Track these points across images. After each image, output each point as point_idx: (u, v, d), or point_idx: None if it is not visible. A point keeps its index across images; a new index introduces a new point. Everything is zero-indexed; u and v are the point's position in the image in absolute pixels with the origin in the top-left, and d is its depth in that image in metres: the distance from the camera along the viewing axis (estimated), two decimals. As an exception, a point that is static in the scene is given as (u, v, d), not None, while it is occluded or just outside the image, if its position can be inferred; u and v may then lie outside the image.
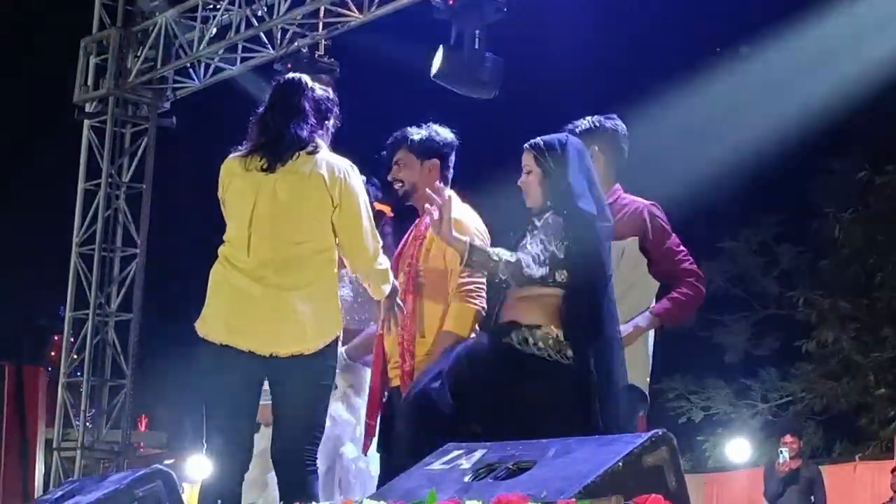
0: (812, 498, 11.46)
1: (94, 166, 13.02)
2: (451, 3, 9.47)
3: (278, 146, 4.77)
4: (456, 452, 4.33)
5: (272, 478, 5.19)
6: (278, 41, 11.50)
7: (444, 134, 5.61)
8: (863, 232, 21.04)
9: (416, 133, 5.56)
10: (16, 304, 23.69)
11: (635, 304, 5.21)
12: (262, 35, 11.62)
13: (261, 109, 4.91)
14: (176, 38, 12.42)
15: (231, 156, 4.90)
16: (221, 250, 4.85)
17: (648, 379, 5.42)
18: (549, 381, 4.86)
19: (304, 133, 4.79)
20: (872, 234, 20.90)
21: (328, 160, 4.80)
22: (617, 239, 5.13)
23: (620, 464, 3.73)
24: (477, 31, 9.61)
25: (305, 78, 4.99)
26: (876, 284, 20.86)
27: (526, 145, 5.16)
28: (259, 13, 11.56)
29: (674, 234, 5.27)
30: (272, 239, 4.73)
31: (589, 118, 5.38)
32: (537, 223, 5.03)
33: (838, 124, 21.06)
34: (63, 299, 13.17)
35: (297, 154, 4.76)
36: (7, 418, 12.88)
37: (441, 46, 9.70)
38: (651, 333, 5.38)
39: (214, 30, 11.99)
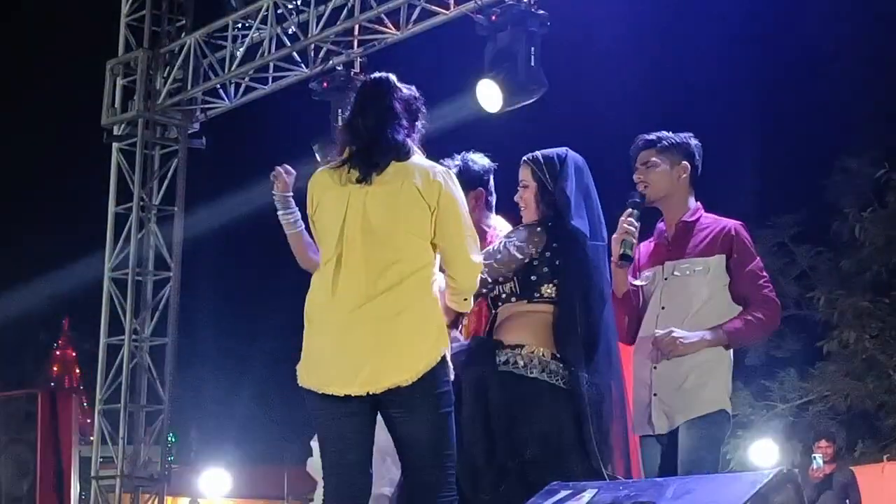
0: (847, 502, 11.40)
1: (123, 189, 12.93)
2: (493, 18, 9.34)
3: (373, 154, 4.44)
4: (564, 493, 4.23)
5: None
6: (312, 59, 11.40)
7: (481, 161, 5.46)
8: (883, 230, 20.97)
9: (454, 165, 5.32)
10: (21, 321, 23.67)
11: (710, 321, 5.11)
12: (295, 53, 11.52)
13: (347, 114, 4.61)
14: (205, 57, 12.32)
15: (320, 168, 4.62)
16: (314, 277, 4.56)
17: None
18: (534, 400, 4.78)
19: (400, 137, 4.46)
20: (893, 233, 20.84)
21: (422, 167, 4.47)
22: (705, 256, 5.07)
23: (749, 504, 3.65)
24: (533, 48, 9.42)
25: (392, 76, 4.62)
26: (897, 283, 20.82)
27: (524, 159, 5.10)
28: (290, 31, 11.46)
29: (758, 258, 5.18)
30: (364, 259, 4.38)
31: (676, 134, 5.30)
32: None
33: (855, 122, 21.09)
34: (72, 316, 13.13)
35: (390, 162, 4.43)
36: (41, 445, 12.78)
37: (483, 81, 9.53)
38: (730, 355, 5.27)
39: (244, 49, 11.87)
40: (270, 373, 25.81)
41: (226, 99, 12.53)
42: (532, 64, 9.19)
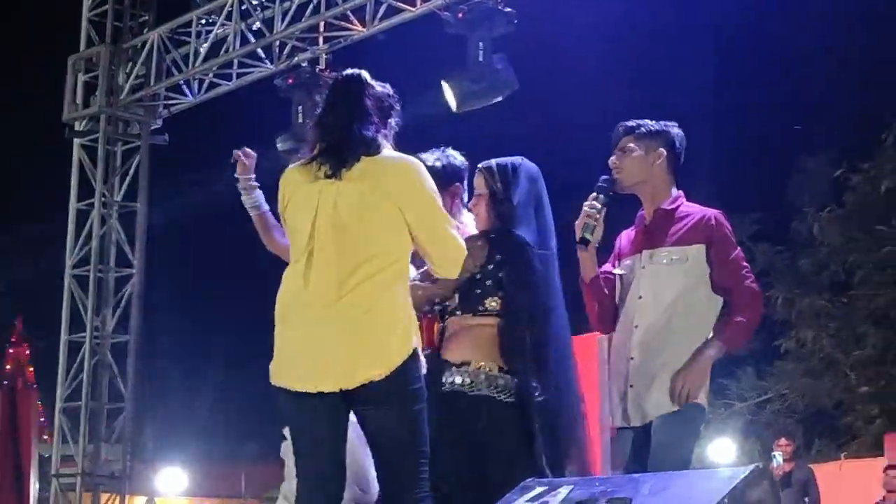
0: (806, 499, 11.49)
1: (85, 185, 12.85)
2: (460, 16, 9.34)
3: (342, 150, 4.40)
4: (539, 489, 4.21)
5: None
6: (277, 55, 11.35)
7: (459, 158, 5.36)
8: (840, 230, 21.16)
9: (436, 159, 5.24)
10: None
11: (700, 317, 5.02)
12: (260, 49, 11.47)
13: (318, 111, 4.57)
14: (168, 53, 12.25)
15: (291, 165, 4.57)
16: (285, 274, 4.49)
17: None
18: (483, 419, 4.73)
19: (370, 133, 4.42)
20: (850, 233, 21.01)
21: (392, 160, 4.44)
22: (683, 245, 5.00)
23: (726, 500, 3.66)
24: (480, 43, 9.48)
25: (364, 73, 4.56)
26: (855, 283, 20.97)
27: (479, 167, 5.07)
28: (255, 27, 11.40)
29: (739, 248, 5.09)
30: (336, 255, 4.33)
31: (653, 121, 5.26)
32: None
33: (814, 123, 21.25)
34: (25, 313, 13.02)
35: (360, 158, 4.39)
36: (1, 442, 12.68)
37: (443, 82, 9.55)
38: None
39: (208, 45, 11.81)
40: (229, 371, 25.73)
41: (189, 95, 12.46)
42: (481, 59, 9.22)
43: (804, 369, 21.42)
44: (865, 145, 20.81)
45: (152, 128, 12.88)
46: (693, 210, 5.10)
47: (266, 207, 5.24)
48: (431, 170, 4.98)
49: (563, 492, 4.09)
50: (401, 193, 4.40)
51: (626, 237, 5.25)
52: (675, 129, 5.23)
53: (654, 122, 5.22)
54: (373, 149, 4.42)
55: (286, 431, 5.24)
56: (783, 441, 12.60)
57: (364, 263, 4.34)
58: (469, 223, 5.34)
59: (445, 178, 5.16)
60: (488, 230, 4.95)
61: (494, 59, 9.60)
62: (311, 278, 4.38)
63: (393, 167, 4.43)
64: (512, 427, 4.75)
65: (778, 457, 11.88)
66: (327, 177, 4.41)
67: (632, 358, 5.01)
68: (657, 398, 4.92)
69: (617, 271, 5.19)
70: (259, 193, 5.24)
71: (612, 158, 5.18)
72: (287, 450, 5.40)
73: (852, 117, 20.57)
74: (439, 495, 4.56)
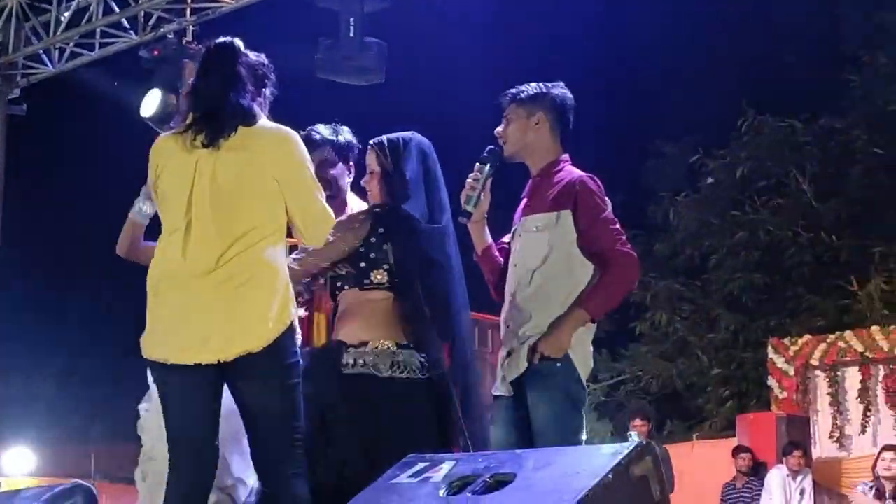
0: (660, 478, 11.61)
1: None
2: (331, -11, 9.27)
3: (218, 118, 4.35)
4: (422, 465, 4.19)
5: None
6: (142, 26, 11.12)
7: (349, 136, 5.41)
8: (696, 215, 21.49)
9: (332, 132, 5.32)
10: None
11: (568, 283, 4.95)
12: (124, 20, 11.21)
13: (192, 80, 4.53)
14: (28, 20, 11.93)
15: (163, 134, 4.51)
16: (158, 247, 4.43)
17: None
18: (389, 400, 4.75)
19: (245, 102, 4.38)
20: (706, 218, 21.36)
21: (269, 130, 4.41)
22: (549, 211, 4.96)
23: (611, 476, 3.68)
24: (351, 19, 9.42)
25: (238, 42, 4.51)
26: (710, 267, 21.32)
27: (370, 143, 5.07)
28: (120, -4, 11.18)
29: (608, 211, 4.98)
30: (215, 225, 4.29)
31: (535, 84, 5.16)
32: None
33: (671, 108, 21.55)
34: None
35: (237, 128, 4.34)
36: None
37: (320, 41, 9.49)
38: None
39: (70, 13, 11.52)
40: (77, 351, 25.26)
41: (49, 64, 12.15)
42: (352, 35, 9.17)
43: (658, 351, 21.74)
44: (721, 132, 21.17)
45: (10, 97, 12.52)
46: (566, 175, 5.05)
47: (148, 220, 5.18)
48: (329, 142, 4.98)
49: (446, 467, 4.08)
50: (277, 164, 4.37)
51: (520, 206, 5.21)
52: (556, 90, 5.16)
53: (535, 84, 5.16)
54: (249, 118, 4.38)
55: (142, 407, 5.14)
56: (638, 421, 12.73)
57: (242, 235, 4.30)
58: (354, 203, 5.31)
59: (342, 151, 5.19)
60: (374, 205, 4.93)
61: (370, 42, 9.57)
62: (189, 249, 4.32)
63: (270, 137, 4.40)
64: (419, 405, 4.76)
65: (634, 436, 12.00)
66: (204, 146, 4.35)
67: (508, 326, 5.02)
68: (522, 365, 4.91)
69: (506, 240, 5.20)
70: (153, 204, 5.00)
71: (498, 128, 5.15)
72: (146, 427, 5.31)
73: (708, 104, 20.88)
74: (342, 481, 4.53)
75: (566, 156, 5.15)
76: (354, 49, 9.49)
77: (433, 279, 4.85)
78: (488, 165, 5.07)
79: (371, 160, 5.03)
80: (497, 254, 5.21)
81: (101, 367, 24.21)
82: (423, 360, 4.79)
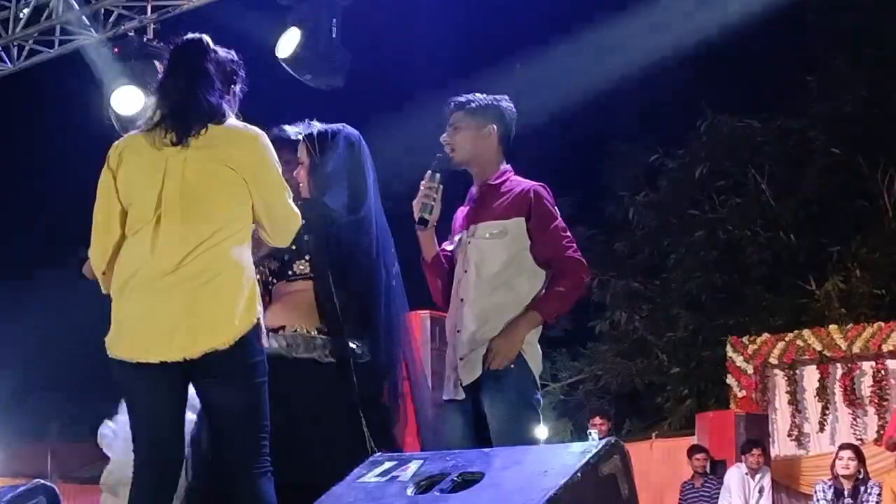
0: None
1: None
2: (293, -12, 9.20)
3: (186, 115, 4.31)
4: (389, 464, 4.20)
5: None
6: (102, 23, 11.01)
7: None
8: (654, 214, 21.58)
9: (297, 133, 5.25)
10: None
11: (521, 290, 5.08)
12: (84, 17, 11.10)
13: (160, 76, 4.47)
14: (-14, 18, 11.80)
15: (132, 131, 4.46)
16: (125, 246, 4.37)
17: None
18: (299, 380, 4.78)
19: (214, 99, 4.34)
20: (665, 217, 21.45)
21: (238, 130, 4.38)
22: (502, 218, 5.06)
23: (579, 474, 3.69)
24: (334, 20, 9.31)
25: (206, 38, 4.47)
26: (669, 266, 21.41)
27: (301, 136, 5.11)
28: (80, -7, 11.05)
29: (559, 219, 5.13)
30: (183, 224, 4.25)
31: (483, 95, 5.27)
32: None
33: (630, 108, 21.60)
34: None
35: (206, 125, 4.31)
36: None
37: (295, 28, 9.38)
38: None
39: (30, 10, 11.39)
40: (34, 348, 25.08)
41: (8, 62, 12.01)
42: (334, 36, 9.11)
43: (617, 350, 21.82)
44: (679, 132, 21.25)
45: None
46: (516, 184, 5.17)
47: None
48: (297, 142, 5.00)
49: (414, 466, 4.08)
50: (246, 163, 4.35)
51: (459, 213, 5.32)
52: (504, 103, 5.29)
53: (484, 96, 5.28)
54: (217, 116, 4.36)
55: (109, 428, 5.09)
56: (598, 419, 12.82)
57: (210, 233, 4.27)
58: None
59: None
60: (296, 198, 4.97)
61: (341, 49, 9.50)
62: (157, 247, 4.28)
63: (238, 137, 4.37)
64: (334, 389, 4.80)
65: (594, 434, 12.06)
66: (173, 144, 4.32)
67: (459, 331, 5.10)
68: (479, 369, 5.00)
69: (448, 247, 5.26)
70: None
71: (444, 135, 5.23)
72: (115, 448, 5.27)
73: (667, 104, 20.96)
74: None
75: (509, 166, 5.26)
76: (332, 51, 9.39)
77: (346, 269, 4.90)
78: (440, 174, 5.13)
79: (302, 153, 5.08)
80: (444, 260, 5.27)
81: (60, 365, 24.08)
82: (334, 346, 4.84)
